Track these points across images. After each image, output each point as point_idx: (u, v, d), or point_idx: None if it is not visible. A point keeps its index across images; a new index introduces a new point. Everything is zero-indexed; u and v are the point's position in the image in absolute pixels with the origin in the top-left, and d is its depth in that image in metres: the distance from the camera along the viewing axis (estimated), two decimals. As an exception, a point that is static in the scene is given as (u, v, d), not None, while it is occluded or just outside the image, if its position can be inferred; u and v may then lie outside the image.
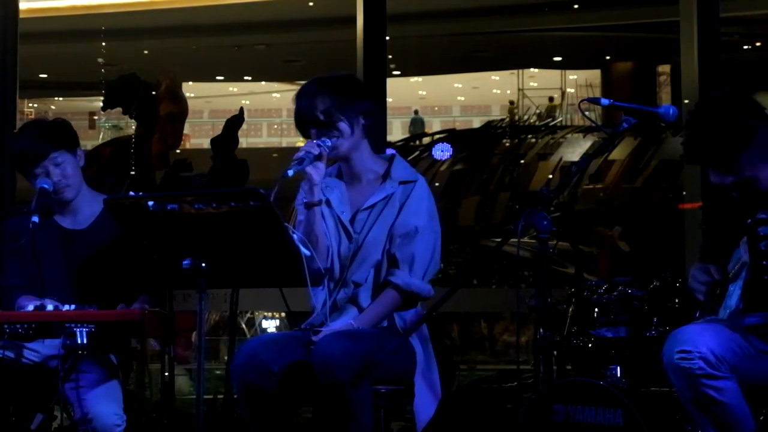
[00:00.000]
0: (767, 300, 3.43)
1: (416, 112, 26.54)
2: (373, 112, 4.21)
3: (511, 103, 24.19)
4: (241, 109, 9.93)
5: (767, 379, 3.64)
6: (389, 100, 7.46)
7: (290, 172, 3.91)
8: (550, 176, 16.81)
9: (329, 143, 4.08)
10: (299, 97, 4.17)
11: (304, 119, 4.14)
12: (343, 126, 4.11)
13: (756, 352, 3.63)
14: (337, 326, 4.07)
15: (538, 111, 22.45)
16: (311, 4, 15.24)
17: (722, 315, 3.75)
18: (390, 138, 19.34)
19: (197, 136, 24.77)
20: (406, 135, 23.53)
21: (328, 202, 4.18)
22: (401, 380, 4.05)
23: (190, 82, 20.04)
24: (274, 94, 24.60)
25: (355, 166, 4.22)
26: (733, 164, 3.70)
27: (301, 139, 4.26)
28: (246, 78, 21.79)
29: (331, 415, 3.88)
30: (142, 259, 3.91)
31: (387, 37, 7.13)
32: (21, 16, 7.19)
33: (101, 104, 10.17)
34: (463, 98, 28.45)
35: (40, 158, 4.35)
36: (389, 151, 4.36)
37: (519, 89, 23.94)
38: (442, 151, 16.69)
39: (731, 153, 3.68)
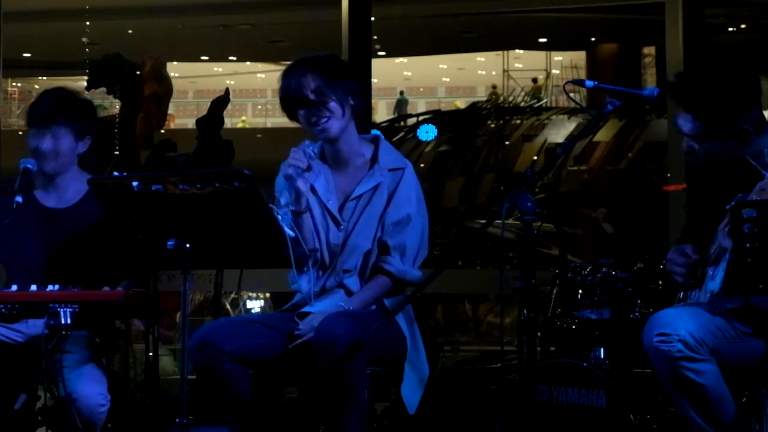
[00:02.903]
0: (749, 283, 3.44)
1: (401, 92, 26.50)
2: (361, 92, 4.17)
3: (494, 87, 24.10)
4: (227, 90, 9.90)
5: (748, 361, 3.66)
6: (374, 80, 7.45)
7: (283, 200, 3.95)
8: (535, 158, 16.80)
9: (316, 150, 4.07)
10: (287, 77, 4.09)
11: (293, 99, 4.08)
12: (334, 106, 4.06)
13: (737, 335, 3.64)
14: (325, 307, 4.06)
15: (523, 93, 22.39)
16: (296, -17, 15.16)
17: (703, 298, 3.76)
18: (375, 119, 19.31)
19: (182, 116, 24.69)
20: (391, 116, 23.50)
21: (313, 189, 4.14)
22: (393, 362, 4.06)
23: (175, 62, 19.93)
24: (259, 75, 24.51)
25: (341, 149, 4.17)
26: (729, 123, 3.68)
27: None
28: (231, 58, 21.68)
29: (318, 396, 3.88)
30: (126, 240, 3.89)
31: (372, 18, 7.11)
32: (5, -6, 7.17)
33: (85, 84, 10.12)
34: (448, 79, 28.39)
35: (43, 124, 4.29)
36: (373, 132, 4.33)
37: (504, 70, 23.89)
38: (427, 132, 16.68)
39: (734, 109, 3.66)
